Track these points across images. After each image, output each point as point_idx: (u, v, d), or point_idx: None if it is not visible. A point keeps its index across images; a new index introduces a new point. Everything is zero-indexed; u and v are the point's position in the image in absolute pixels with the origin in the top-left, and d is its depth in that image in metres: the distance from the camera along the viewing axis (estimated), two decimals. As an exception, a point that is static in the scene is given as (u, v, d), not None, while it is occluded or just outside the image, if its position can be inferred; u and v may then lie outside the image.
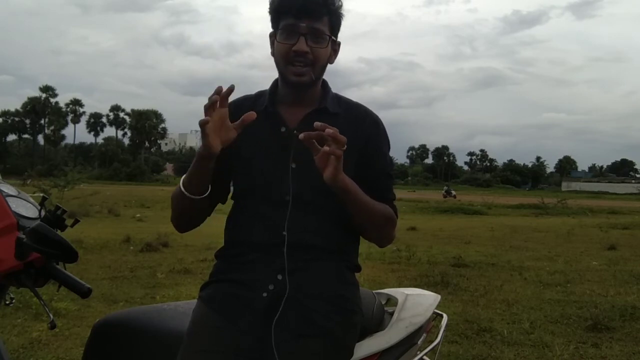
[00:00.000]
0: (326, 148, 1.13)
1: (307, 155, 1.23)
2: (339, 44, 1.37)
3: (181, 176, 1.32)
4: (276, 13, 1.32)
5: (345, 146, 1.14)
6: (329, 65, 1.37)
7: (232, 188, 1.42)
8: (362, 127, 1.36)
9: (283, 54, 1.30)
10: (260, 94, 1.41)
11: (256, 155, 1.33)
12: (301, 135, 1.14)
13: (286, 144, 1.32)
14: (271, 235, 1.30)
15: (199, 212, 1.35)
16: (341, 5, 1.33)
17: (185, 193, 1.27)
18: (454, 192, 39.78)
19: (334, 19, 1.33)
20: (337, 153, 1.13)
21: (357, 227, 1.35)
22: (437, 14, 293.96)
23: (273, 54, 1.35)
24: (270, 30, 1.36)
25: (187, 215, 1.36)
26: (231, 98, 1.24)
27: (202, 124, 1.15)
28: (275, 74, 1.38)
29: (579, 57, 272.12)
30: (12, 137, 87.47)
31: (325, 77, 1.39)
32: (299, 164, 1.30)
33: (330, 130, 1.12)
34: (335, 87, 1.43)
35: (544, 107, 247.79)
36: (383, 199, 1.35)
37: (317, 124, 1.13)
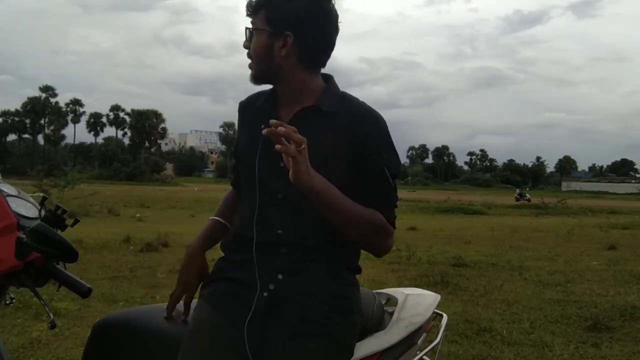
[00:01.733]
0: (277, 146, 1.08)
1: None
2: (290, 35, 1.28)
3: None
4: None
5: (303, 146, 1.09)
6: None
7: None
8: (360, 126, 1.30)
9: None
10: (261, 93, 1.43)
11: (252, 152, 1.33)
12: (264, 132, 1.09)
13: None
14: (266, 234, 1.29)
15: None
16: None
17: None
18: (528, 196, 35.41)
19: (273, 9, 1.29)
20: (290, 152, 1.08)
21: (340, 234, 1.28)
22: (438, 13, 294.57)
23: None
24: None
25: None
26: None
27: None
28: None
29: (580, 57, 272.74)
30: (12, 137, 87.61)
31: None
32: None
33: (282, 129, 1.07)
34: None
35: (545, 107, 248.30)
36: (377, 205, 1.29)
37: (272, 121, 1.10)
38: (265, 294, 1.28)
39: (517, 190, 39.76)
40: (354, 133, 1.30)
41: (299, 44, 1.29)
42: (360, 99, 1.38)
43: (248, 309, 1.27)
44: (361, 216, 1.26)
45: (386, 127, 1.35)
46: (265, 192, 1.31)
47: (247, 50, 1.34)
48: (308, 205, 1.23)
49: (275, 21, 1.29)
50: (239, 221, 1.38)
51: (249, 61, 1.35)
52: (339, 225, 1.26)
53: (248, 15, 1.33)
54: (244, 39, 1.35)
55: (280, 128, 1.07)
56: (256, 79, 1.36)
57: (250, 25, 1.33)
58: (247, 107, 1.42)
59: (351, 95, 1.37)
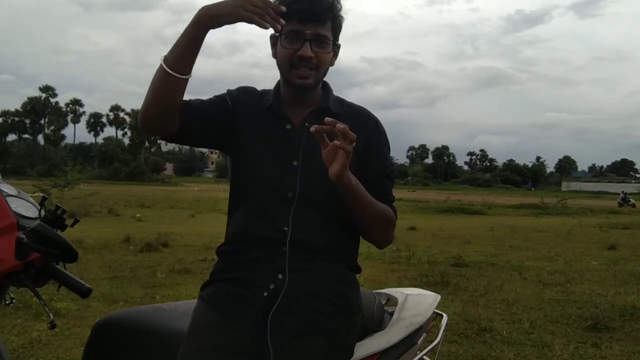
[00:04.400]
0: (336, 142, 1.13)
1: (311, 153, 1.25)
2: (339, 46, 1.38)
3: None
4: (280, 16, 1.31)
5: (355, 143, 1.15)
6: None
7: (231, 182, 1.42)
8: (363, 128, 1.36)
9: (287, 58, 1.30)
10: (265, 92, 1.42)
11: (260, 150, 1.34)
12: (312, 128, 1.14)
13: (291, 141, 1.33)
14: (272, 230, 1.30)
15: (171, 99, 1.25)
16: (341, 8, 1.34)
17: (167, 69, 1.21)
18: (632, 201, 32.17)
19: (337, 22, 1.34)
20: (347, 149, 1.13)
21: (357, 226, 1.35)
22: (440, 13, 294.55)
23: (274, 55, 1.35)
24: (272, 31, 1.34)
25: (160, 101, 1.24)
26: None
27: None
28: (277, 74, 1.38)
29: (582, 57, 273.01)
30: (12, 137, 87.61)
31: (327, 76, 1.40)
32: (301, 162, 1.31)
33: (341, 125, 1.12)
34: (338, 87, 1.44)
35: (546, 106, 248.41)
36: (383, 200, 1.35)
37: (327, 119, 1.13)
38: (265, 293, 1.28)
39: (621, 194, 34.72)
40: (357, 134, 1.31)
41: (336, 53, 1.38)
42: (355, 102, 1.46)
43: (248, 309, 1.27)
44: (380, 210, 1.33)
45: (384, 129, 1.44)
46: (273, 191, 1.31)
47: (309, 57, 1.28)
48: (316, 204, 1.29)
49: (337, 31, 1.35)
50: (239, 219, 1.37)
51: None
52: (362, 219, 1.32)
53: (310, 23, 1.28)
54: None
55: (338, 125, 1.12)
56: (312, 87, 1.34)
57: (307, 33, 1.28)
58: (248, 105, 1.39)
59: (344, 99, 1.45)
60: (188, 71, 1.23)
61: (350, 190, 1.23)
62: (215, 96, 1.40)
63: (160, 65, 1.23)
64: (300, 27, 1.28)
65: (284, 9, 1.20)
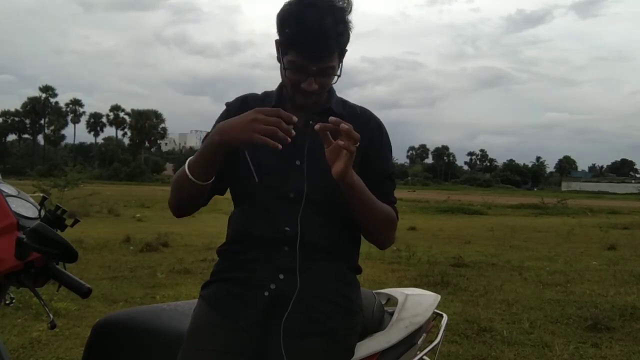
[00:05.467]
0: (340, 142, 1.13)
1: (313, 153, 1.25)
2: (342, 63, 1.33)
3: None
4: (285, 43, 1.27)
5: (358, 143, 1.15)
6: None
7: (232, 182, 1.40)
8: (365, 129, 1.34)
9: (290, 85, 1.29)
10: (267, 94, 1.41)
11: (262, 151, 1.33)
12: (317, 126, 1.15)
13: (294, 141, 1.32)
14: (273, 230, 1.30)
15: (199, 197, 1.31)
16: (350, 15, 1.27)
17: (192, 178, 1.24)
18: None
19: (344, 41, 1.28)
20: (351, 149, 1.14)
21: (359, 227, 1.35)
22: (440, 13, 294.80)
23: (279, 59, 1.31)
24: (275, 34, 1.30)
25: (188, 201, 1.32)
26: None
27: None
28: (277, 74, 1.37)
29: (583, 57, 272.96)
30: (12, 137, 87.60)
31: None
32: (304, 162, 1.30)
33: (345, 125, 1.12)
34: (338, 87, 1.42)
35: (546, 106, 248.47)
36: (384, 202, 1.35)
37: (332, 118, 1.14)
38: (266, 293, 1.28)
39: None
40: (360, 136, 1.31)
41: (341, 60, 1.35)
42: (357, 103, 1.45)
43: (249, 309, 1.27)
44: (382, 211, 1.33)
45: (386, 130, 1.44)
46: (275, 191, 1.30)
47: (314, 85, 1.25)
48: (318, 204, 1.29)
49: (343, 55, 1.31)
50: (240, 219, 1.37)
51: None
52: (364, 219, 1.32)
53: (312, 60, 1.23)
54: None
55: (343, 125, 1.12)
56: (317, 103, 1.33)
57: (311, 69, 1.24)
58: (247, 104, 1.36)
59: (347, 100, 1.44)
60: (211, 177, 1.25)
61: (353, 190, 1.23)
62: None
63: (185, 174, 1.24)
64: (305, 63, 1.24)
65: (295, 119, 1.15)
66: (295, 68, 1.26)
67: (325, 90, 1.32)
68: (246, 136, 1.15)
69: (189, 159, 1.26)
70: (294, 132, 1.16)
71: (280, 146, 1.13)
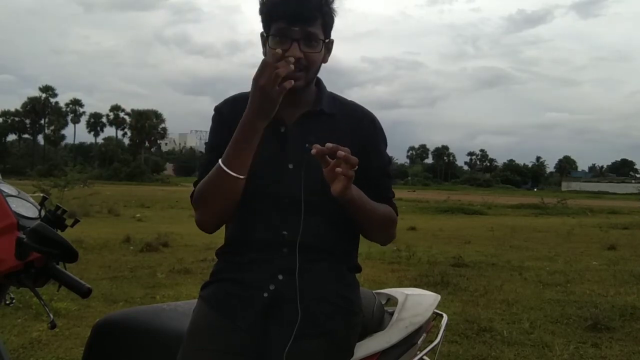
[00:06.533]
0: (338, 169, 1.13)
1: (305, 156, 1.24)
2: (332, 42, 1.34)
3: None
4: (267, 16, 1.27)
5: (357, 167, 1.15)
6: (329, 65, 1.36)
7: None
8: (359, 126, 1.35)
9: (275, 60, 1.22)
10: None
11: (255, 154, 1.31)
12: (313, 151, 1.13)
13: (286, 144, 1.31)
14: (271, 234, 1.29)
15: (237, 196, 1.25)
16: (333, 1, 1.29)
17: (231, 173, 1.20)
18: None
19: (327, 19, 1.29)
20: (349, 174, 1.14)
21: (359, 229, 1.36)
22: (441, 13, 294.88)
23: (265, 55, 1.30)
24: (260, 29, 1.31)
25: (224, 205, 1.26)
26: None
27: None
28: None
29: (583, 57, 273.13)
30: (12, 137, 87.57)
31: (328, 76, 1.38)
32: (296, 165, 1.29)
33: (342, 152, 1.12)
34: (338, 87, 1.43)
35: (546, 106, 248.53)
36: (383, 198, 1.36)
37: (329, 145, 1.13)
38: (265, 294, 1.27)
39: None
40: (354, 133, 1.33)
41: (328, 49, 1.34)
42: (349, 99, 1.43)
43: (248, 310, 1.27)
44: (382, 214, 1.34)
45: (380, 124, 1.42)
46: (270, 194, 1.30)
47: (292, 59, 1.20)
48: (314, 206, 1.28)
49: (328, 29, 1.30)
50: (237, 222, 1.36)
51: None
52: (366, 224, 1.33)
53: (299, 22, 1.23)
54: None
55: (340, 152, 1.12)
56: (302, 88, 1.29)
57: (295, 32, 1.24)
58: (239, 103, 1.32)
59: (338, 95, 1.42)
60: (248, 167, 1.24)
61: (353, 204, 1.23)
62: (218, 145, 1.31)
63: (223, 172, 1.21)
64: (287, 27, 1.24)
65: (292, 59, 1.18)
66: (278, 35, 1.25)
67: (312, 69, 1.28)
68: (271, 97, 1.16)
69: (220, 160, 1.23)
70: (292, 67, 1.17)
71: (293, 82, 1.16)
